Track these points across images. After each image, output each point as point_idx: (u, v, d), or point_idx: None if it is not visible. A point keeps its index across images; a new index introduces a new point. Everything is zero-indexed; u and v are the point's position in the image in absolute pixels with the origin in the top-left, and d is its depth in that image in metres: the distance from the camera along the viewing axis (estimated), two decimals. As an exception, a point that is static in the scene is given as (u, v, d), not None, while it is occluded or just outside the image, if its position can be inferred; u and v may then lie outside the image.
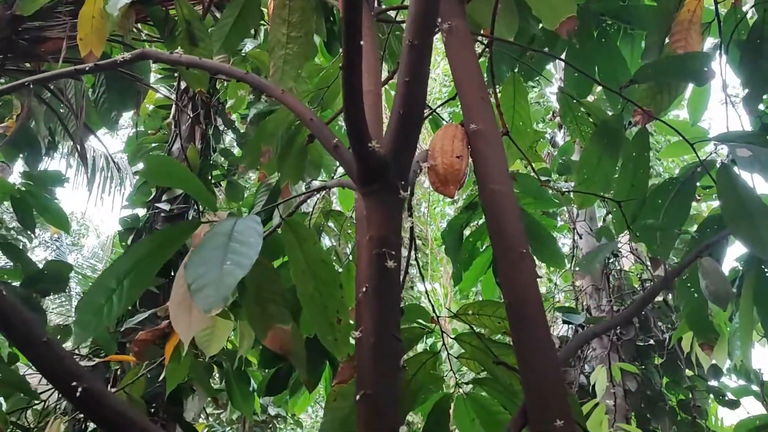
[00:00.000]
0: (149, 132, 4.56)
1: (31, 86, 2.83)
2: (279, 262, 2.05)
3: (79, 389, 0.87)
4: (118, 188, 11.45)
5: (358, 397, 1.03)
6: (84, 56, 2.13)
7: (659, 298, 5.33)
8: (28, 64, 3.04)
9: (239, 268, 1.05)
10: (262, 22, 3.51)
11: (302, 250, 1.30)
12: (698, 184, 2.89)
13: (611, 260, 5.56)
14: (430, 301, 2.35)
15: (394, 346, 1.06)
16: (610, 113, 2.44)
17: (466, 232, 2.97)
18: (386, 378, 1.04)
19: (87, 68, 1.40)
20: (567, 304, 5.95)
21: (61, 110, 3.43)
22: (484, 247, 2.81)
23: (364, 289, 1.09)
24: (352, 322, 1.38)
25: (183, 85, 4.29)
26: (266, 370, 3.20)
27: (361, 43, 1.03)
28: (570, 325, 5.07)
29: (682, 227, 2.22)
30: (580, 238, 5.90)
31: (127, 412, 0.90)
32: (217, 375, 3.95)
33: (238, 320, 1.93)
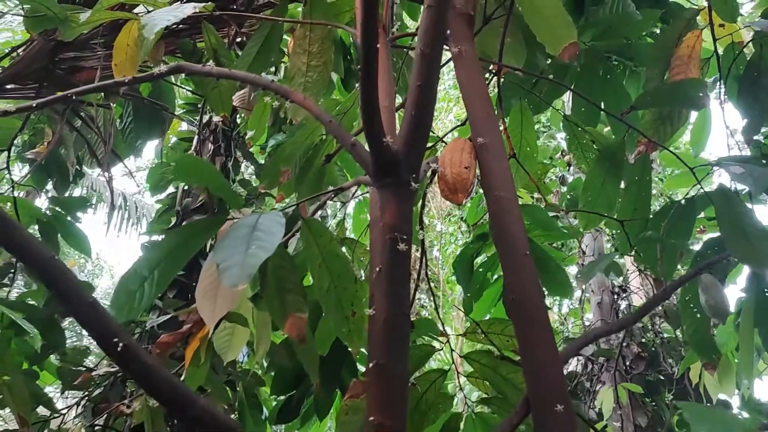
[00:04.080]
0: (172, 164, 4.73)
1: (65, 111, 3.00)
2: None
3: (120, 344, 0.97)
4: (134, 226, 11.69)
5: (370, 365, 1.12)
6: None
7: (669, 334, 5.35)
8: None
9: (262, 251, 1.16)
10: (283, 59, 3.71)
11: (318, 245, 1.41)
12: (703, 215, 2.95)
13: (620, 296, 5.61)
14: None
15: (403, 322, 1.15)
16: (615, 143, 2.54)
17: (478, 262, 3.02)
18: (396, 349, 1.13)
19: (126, 80, 1.54)
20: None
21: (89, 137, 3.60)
22: (494, 278, 2.83)
23: (377, 270, 1.19)
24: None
25: (205, 118, 4.48)
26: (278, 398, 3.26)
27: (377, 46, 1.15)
28: (579, 359, 5.09)
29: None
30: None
31: (158, 368, 0.99)
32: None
33: (254, 324, 2.02)
